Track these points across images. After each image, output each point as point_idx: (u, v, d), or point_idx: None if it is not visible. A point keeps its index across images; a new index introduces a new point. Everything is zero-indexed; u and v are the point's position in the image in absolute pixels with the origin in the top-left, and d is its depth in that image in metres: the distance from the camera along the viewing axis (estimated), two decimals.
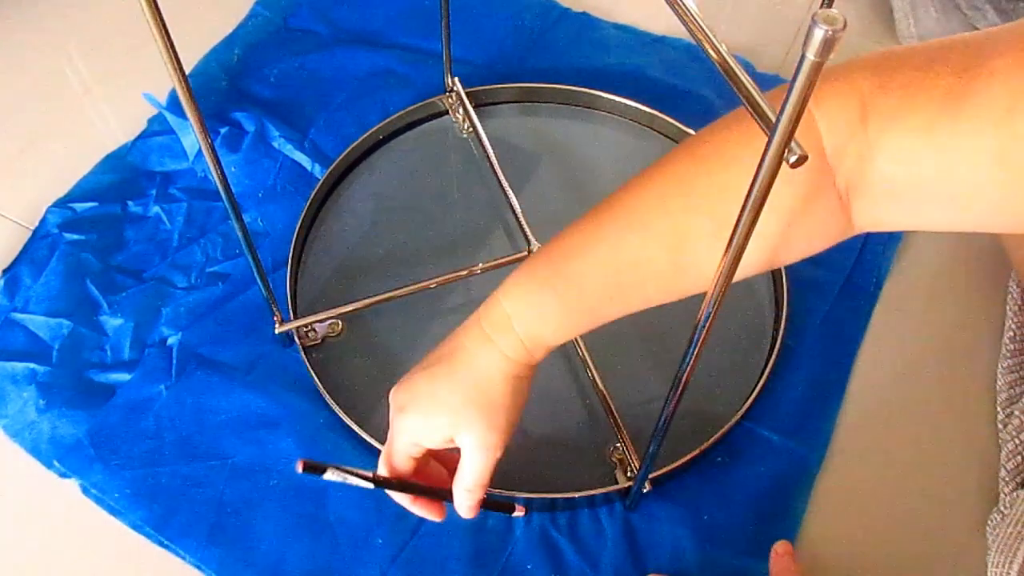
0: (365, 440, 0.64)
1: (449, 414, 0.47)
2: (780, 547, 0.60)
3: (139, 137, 0.83)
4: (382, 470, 0.51)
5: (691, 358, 0.43)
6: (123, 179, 0.80)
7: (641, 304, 0.45)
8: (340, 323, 0.71)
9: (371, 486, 0.49)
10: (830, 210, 0.40)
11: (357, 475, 0.48)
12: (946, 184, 0.36)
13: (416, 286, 0.70)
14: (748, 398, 0.67)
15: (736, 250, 0.35)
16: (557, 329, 0.46)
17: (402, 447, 0.49)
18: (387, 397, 0.51)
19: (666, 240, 0.42)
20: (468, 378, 0.47)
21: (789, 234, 0.41)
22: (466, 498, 0.49)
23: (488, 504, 0.52)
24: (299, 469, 0.44)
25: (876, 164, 0.37)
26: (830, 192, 0.39)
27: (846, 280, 0.74)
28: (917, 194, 0.38)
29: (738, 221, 0.34)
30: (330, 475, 0.46)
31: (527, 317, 0.45)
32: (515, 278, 0.47)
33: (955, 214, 0.38)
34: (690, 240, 0.42)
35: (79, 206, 0.77)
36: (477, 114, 0.82)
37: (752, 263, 0.41)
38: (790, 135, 0.29)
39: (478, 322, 0.47)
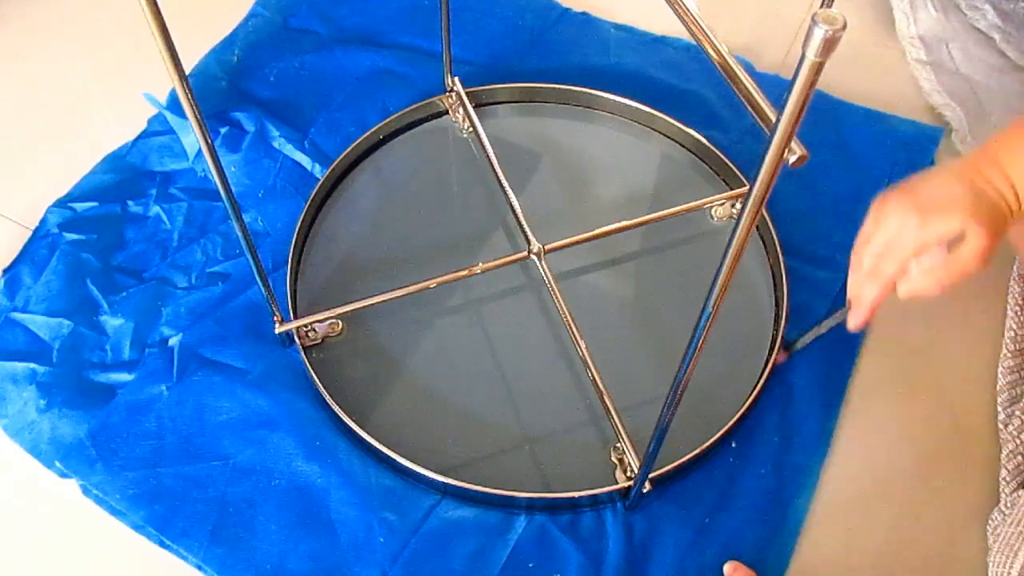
0: (365, 439, 0.64)
1: (973, 222, 0.51)
2: (729, 568, 0.61)
3: (139, 137, 0.83)
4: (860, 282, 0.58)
5: (691, 358, 0.43)
6: (123, 179, 0.80)
7: None
8: (340, 323, 0.71)
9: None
10: None
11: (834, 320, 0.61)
12: None
13: (416, 286, 0.70)
14: (748, 398, 0.67)
15: (736, 249, 0.35)
16: None
17: (917, 247, 0.52)
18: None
19: None
20: (987, 200, 0.51)
21: None
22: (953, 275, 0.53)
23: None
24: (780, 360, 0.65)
25: None
26: None
27: (846, 280, 0.74)
28: None
29: (737, 220, 0.34)
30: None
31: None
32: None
33: None
34: None
35: (79, 206, 0.77)
36: (477, 114, 0.82)
37: None
38: (790, 135, 0.29)
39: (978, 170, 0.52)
